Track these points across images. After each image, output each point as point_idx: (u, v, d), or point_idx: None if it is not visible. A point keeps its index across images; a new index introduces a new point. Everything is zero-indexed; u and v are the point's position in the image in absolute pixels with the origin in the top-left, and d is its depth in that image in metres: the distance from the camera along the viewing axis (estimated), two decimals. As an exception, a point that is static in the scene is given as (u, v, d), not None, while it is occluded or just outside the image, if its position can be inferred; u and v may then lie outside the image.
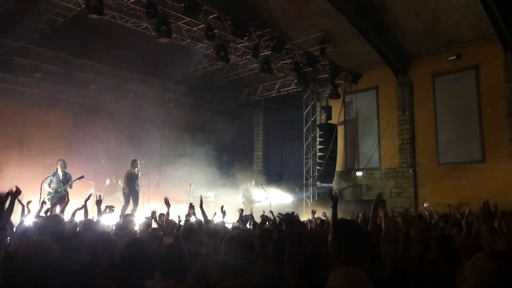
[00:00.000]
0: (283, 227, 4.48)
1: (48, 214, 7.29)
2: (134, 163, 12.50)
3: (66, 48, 13.53)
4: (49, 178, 10.45)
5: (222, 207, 7.88)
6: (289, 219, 3.97)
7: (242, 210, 8.79)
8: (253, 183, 15.57)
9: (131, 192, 12.18)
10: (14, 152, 14.09)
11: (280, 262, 3.51)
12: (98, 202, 6.31)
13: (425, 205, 14.11)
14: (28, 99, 14.42)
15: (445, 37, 14.19)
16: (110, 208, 5.98)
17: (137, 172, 12.49)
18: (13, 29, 12.89)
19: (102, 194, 6.17)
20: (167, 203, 6.59)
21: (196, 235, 5.65)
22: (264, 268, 3.68)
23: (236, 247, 3.02)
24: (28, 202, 6.07)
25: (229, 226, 8.08)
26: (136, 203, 12.15)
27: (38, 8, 12.34)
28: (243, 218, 7.91)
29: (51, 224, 3.49)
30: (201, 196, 6.98)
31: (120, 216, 7.79)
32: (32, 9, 12.43)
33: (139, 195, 12.80)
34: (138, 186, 12.50)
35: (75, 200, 12.77)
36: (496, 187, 12.64)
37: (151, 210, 7.06)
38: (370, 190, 16.45)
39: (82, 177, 10.80)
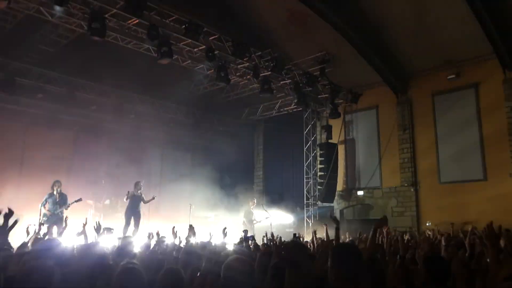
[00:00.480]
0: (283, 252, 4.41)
1: (46, 237, 7.23)
2: (137, 185, 12.50)
3: (67, 69, 13.64)
4: (45, 198, 10.37)
5: (225, 228, 7.81)
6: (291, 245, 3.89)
7: (246, 231, 8.73)
8: (255, 202, 15.48)
9: (133, 213, 12.11)
10: (14, 172, 14.09)
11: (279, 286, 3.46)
12: (97, 229, 6.23)
13: (427, 224, 14.01)
14: (29, 120, 14.51)
15: (444, 56, 14.30)
16: (109, 230, 5.93)
17: (140, 194, 12.42)
18: (15, 50, 13.04)
19: (99, 221, 6.09)
20: (174, 233, 6.52)
21: (196, 258, 5.61)
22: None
23: (235, 273, 2.99)
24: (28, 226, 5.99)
25: (230, 247, 8.00)
26: (137, 225, 12.04)
27: (41, 30, 12.50)
28: (245, 239, 7.82)
29: (49, 247, 3.44)
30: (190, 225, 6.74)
31: (119, 238, 7.72)
32: (35, 30, 12.58)
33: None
34: (140, 208, 12.41)
35: (75, 220, 12.80)
36: (498, 205, 12.58)
37: (154, 232, 7.01)
38: (371, 209, 16.35)
39: (79, 199, 10.77)
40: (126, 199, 12.13)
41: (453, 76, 14.38)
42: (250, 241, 7.43)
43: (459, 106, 14.42)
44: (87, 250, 4.61)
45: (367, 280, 2.58)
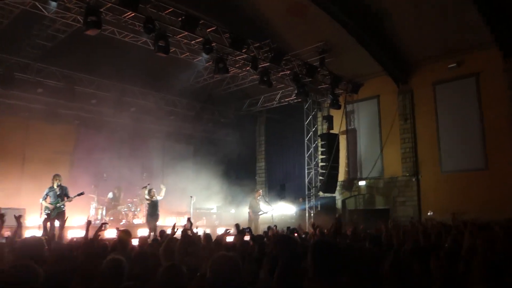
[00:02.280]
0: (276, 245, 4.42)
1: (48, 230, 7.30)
2: (150, 192, 12.48)
3: (66, 63, 13.62)
4: (45, 192, 10.42)
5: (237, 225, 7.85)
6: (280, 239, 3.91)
7: (238, 225, 8.80)
8: (261, 193, 15.51)
9: (153, 218, 12.18)
10: (17, 167, 14.18)
11: (270, 280, 3.49)
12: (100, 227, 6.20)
13: (429, 213, 14.03)
14: (30, 114, 14.55)
15: (444, 45, 14.18)
16: (105, 225, 5.95)
17: (156, 199, 12.48)
18: (14, 46, 13.05)
19: (107, 225, 6.09)
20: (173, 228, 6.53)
21: (194, 249, 5.65)
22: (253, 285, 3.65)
23: (222, 268, 3.00)
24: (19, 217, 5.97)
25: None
26: (153, 229, 11.59)
27: (38, 25, 12.49)
28: (240, 231, 7.87)
29: (31, 247, 3.45)
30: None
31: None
32: (33, 25, 12.57)
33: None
34: (158, 211, 12.50)
35: (78, 214, 12.91)
36: (500, 194, 12.56)
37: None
38: (373, 199, 16.36)
39: (82, 193, 10.80)
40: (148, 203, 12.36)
41: (454, 65, 14.27)
42: (246, 233, 7.45)
43: (460, 95, 14.33)
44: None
45: (346, 275, 2.59)
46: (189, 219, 7.54)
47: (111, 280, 3.22)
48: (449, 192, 13.95)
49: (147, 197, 12.50)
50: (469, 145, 13.94)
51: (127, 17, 10.46)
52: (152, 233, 10.68)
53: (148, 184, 12.83)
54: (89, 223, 6.13)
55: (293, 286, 3.11)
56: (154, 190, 12.61)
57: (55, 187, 10.45)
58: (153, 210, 12.33)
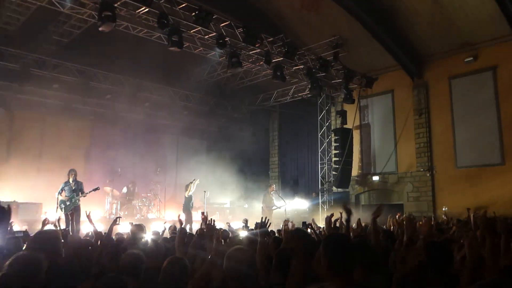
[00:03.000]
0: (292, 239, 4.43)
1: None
2: (187, 187, 13.29)
3: (82, 59, 13.77)
4: (61, 187, 10.57)
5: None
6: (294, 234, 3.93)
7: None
8: (274, 187, 15.49)
9: (188, 212, 12.84)
10: (34, 161, 14.39)
11: (283, 274, 3.50)
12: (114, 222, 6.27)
13: (444, 209, 13.88)
14: (46, 110, 14.77)
15: (460, 38, 13.98)
16: (118, 219, 6.02)
17: (191, 194, 13.25)
18: (30, 42, 13.22)
19: (120, 219, 6.16)
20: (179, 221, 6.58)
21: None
22: (266, 279, 3.66)
23: (237, 263, 3.03)
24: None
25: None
26: (189, 221, 12.36)
27: (54, 21, 12.63)
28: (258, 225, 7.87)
29: (46, 240, 3.49)
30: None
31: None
32: (48, 22, 12.72)
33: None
34: (192, 206, 13.25)
35: (93, 208, 13.08)
36: (517, 190, 12.40)
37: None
38: (387, 194, 16.26)
39: (97, 188, 10.91)
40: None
41: (471, 58, 14.07)
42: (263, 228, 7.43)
43: (476, 90, 14.13)
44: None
45: (358, 268, 2.60)
46: (203, 214, 7.57)
47: (131, 274, 3.28)
48: (464, 188, 13.78)
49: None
50: (485, 139, 13.75)
51: (141, 12, 10.50)
52: (188, 225, 11.41)
53: (194, 179, 13.52)
54: (88, 215, 6.27)
55: (308, 280, 3.13)
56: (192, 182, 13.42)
57: (70, 181, 10.60)
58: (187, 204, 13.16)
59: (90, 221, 6.17)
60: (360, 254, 2.92)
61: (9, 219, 3.77)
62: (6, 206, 3.47)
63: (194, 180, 13.45)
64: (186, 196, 13.21)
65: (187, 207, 13.05)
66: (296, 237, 3.78)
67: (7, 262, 2.64)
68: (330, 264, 2.38)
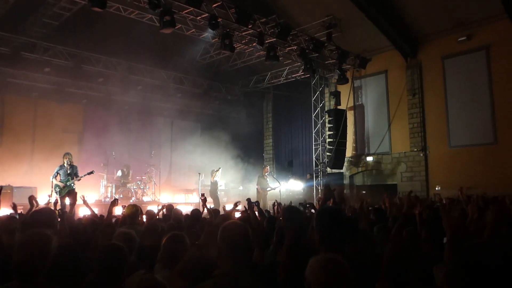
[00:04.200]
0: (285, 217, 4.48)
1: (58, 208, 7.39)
2: (212, 172, 14.35)
3: (73, 42, 13.60)
4: (56, 170, 10.54)
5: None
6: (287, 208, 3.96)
7: (249, 199, 8.85)
8: (268, 169, 15.55)
9: (215, 196, 13.80)
10: (27, 146, 14.34)
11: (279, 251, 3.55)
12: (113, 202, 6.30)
13: (437, 188, 14.03)
14: (38, 94, 14.64)
15: (454, 17, 13.92)
16: (116, 200, 6.07)
17: (217, 180, 14.27)
18: (20, 25, 13.02)
19: (117, 200, 6.22)
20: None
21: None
22: (262, 257, 3.71)
23: (231, 236, 3.05)
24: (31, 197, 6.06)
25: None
26: (216, 205, 12.96)
27: (43, 3, 12.42)
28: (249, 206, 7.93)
29: (43, 216, 3.52)
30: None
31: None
32: (38, 4, 12.51)
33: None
34: (218, 192, 14.27)
35: (88, 192, 13.09)
36: (510, 168, 12.51)
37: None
38: (381, 174, 16.38)
39: (91, 172, 10.91)
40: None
41: (464, 38, 14.05)
42: (255, 207, 7.50)
43: (469, 69, 14.14)
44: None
45: (350, 242, 2.63)
46: (203, 195, 7.64)
47: None
48: (457, 167, 13.90)
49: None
50: (478, 119, 13.83)
51: (132, -7, 10.37)
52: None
53: (219, 168, 14.71)
54: (84, 199, 6.36)
55: (301, 256, 3.16)
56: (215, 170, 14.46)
57: (65, 165, 10.56)
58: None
59: (87, 205, 6.21)
60: (352, 230, 2.95)
61: None
62: None
63: (219, 168, 14.63)
64: (212, 181, 14.17)
65: (214, 192, 13.94)
66: (289, 214, 3.82)
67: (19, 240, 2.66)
68: (322, 238, 2.41)
